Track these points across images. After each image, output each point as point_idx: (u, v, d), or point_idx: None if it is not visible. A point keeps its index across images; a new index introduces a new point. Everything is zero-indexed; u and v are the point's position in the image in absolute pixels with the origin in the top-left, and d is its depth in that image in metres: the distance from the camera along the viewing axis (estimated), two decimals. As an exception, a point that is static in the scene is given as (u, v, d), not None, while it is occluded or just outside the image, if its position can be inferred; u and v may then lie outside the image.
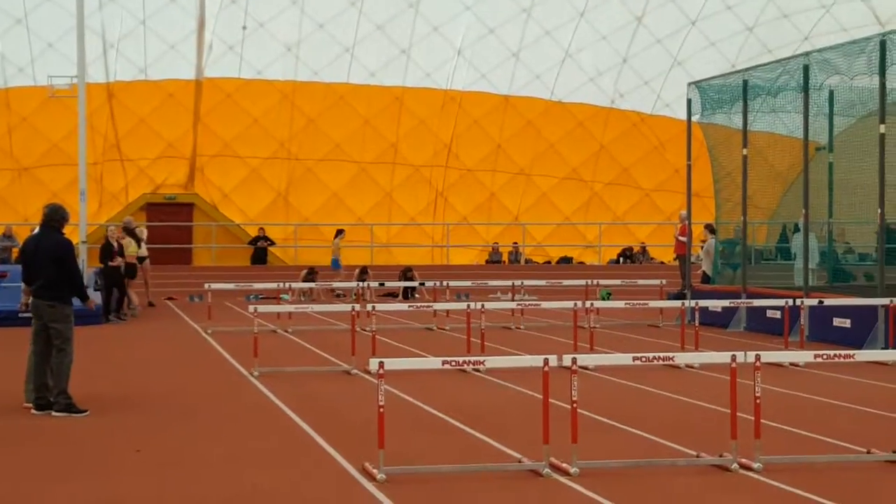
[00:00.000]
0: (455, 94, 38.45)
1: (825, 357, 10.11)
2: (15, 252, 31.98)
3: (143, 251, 27.65)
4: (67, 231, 12.99)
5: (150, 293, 28.70)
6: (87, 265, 25.54)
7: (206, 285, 23.66)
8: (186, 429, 11.50)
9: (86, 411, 12.16)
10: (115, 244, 24.60)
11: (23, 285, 12.83)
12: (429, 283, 28.21)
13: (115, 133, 36.97)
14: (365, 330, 18.66)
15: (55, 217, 12.64)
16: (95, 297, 23.79)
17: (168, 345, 20.25)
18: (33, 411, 12.30)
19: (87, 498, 8.53)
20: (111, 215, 35.90)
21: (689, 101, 24.93)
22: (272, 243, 37.15)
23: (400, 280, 31.38)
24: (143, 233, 28.17)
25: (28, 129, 36.31)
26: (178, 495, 8.57)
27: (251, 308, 16.58)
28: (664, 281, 26.35)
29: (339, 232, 33.84)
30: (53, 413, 12.15)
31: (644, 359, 9.88)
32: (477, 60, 38.28)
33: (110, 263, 24.29)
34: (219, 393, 14.10)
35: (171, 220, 36.45)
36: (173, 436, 11.12)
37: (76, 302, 12.63)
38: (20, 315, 13.49)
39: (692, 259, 26.50)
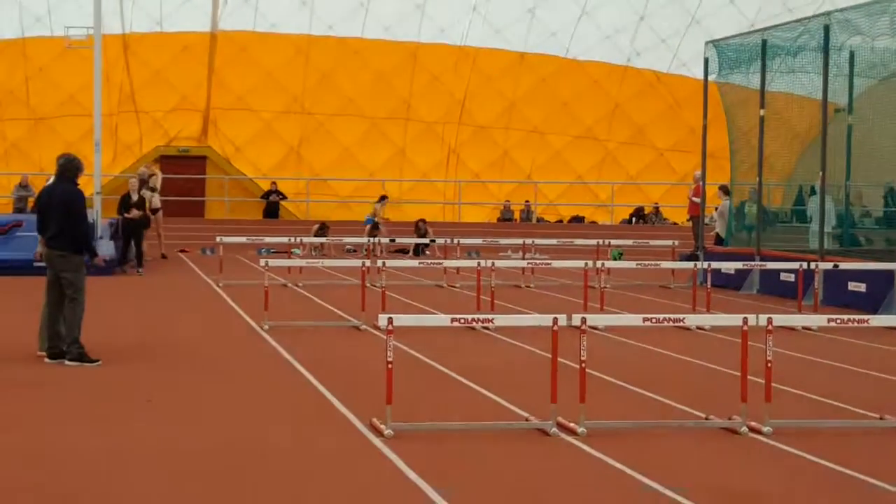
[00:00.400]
0: (469, 51, 38.23)
1: (839, 321, 10.02)
2: (31, 202, 32.05)
3: (157, 202, 27.62)
4: (82, 182, 13.00)
5: (163, 245, 28.72)
6: (102, 216, 25.53)
7: (218, 238, 23.63)
8: (196, 381, 11.51)
9: (98, 361, 12.20)
10: (135, 196, 24.55)
11: (38, 235, 12.87)
12: (440, 240, 28.16)
13: (131, 84, 36.93)
14: (375, 286, 18.61)
15: (69, 168, 12.67)
16: (109, 248, 23.84)
17: (179, 297, 20.27)
18: (46, 359, 12.35)
19: (96, 445, 8.54)
20: (125, 166, 35.92)
21: (706, 61, 24.70)
22: (284, 197, 37.12)
23: (415, 232, 31.40)
24: (158, 181, 28.03)
25: (44, 80, 36.30)
26: (186, 446, 8.57)
27: (262, 262, 16.54)
28: (677, 242, 26.21)
29: (383, 198, 33.78)
30: (66, 362, 12.21)
31: (654, 320, 9.81)
32: (492, 17, 38.02)
33: (125, 215, 24.26)
34: (228, 346, 14.11)
35: (185, 173, 36.43)
36: (183, 387, 11.13)
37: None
38: (35, 265, 13.52)
39: (706, 220, 26.36)
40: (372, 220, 32.55)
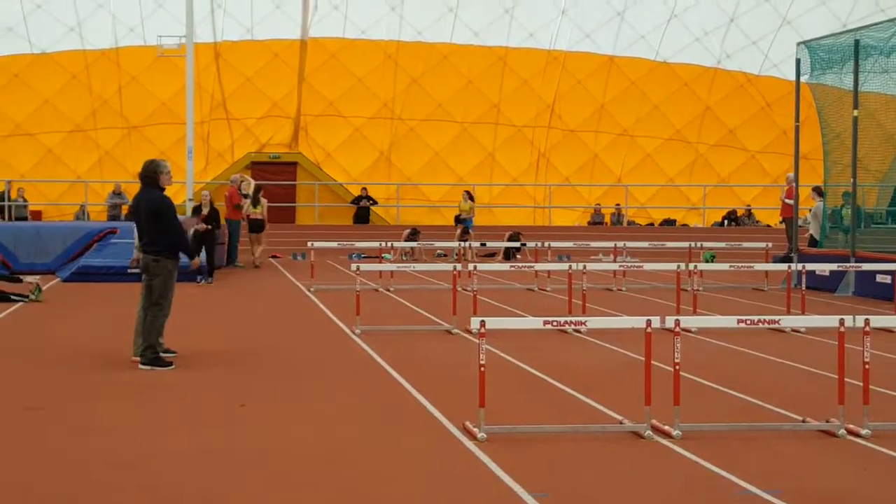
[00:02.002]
0: (558, 55, 38.14)
1: (938, 323, 9.84)
2: (125, 209, 32.73)
3: (250, 210, 27.93)
4: (174, 189, 13.16)
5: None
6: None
7: (310, 244, 23.87)
8: (289, 385, 11.63)
9: (171, 364, 12.31)
10: (206, 209, 24.52)
11: (136, 241, 13.09)
12: (530, 244, 28.14)
13: (222, 92, 37.42)
14: (466, 290, 18.67)
15: (147, 171, 12.72)
16: (201, 255, 24.13)
17: (272, 302, 20.49)
18: (140, 365, 12.51)
19: (191, 449, 8.66)
20: (217, 174, 36.42)
21: (797, 61, 24.37)
22: (374, 202, 37.36)
23: (507, 238, 31.45)
24: (250, 187, 28.26)
25: (137, 88, 36.94)
26: (280, 449, 8.66)
27: (353, 266, 16.66)
28: (770, 244, 25.91)
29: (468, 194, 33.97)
30: (139, 367, 12.28)
31: (749, 322, 9.71)
32: (581, 20, 37.91)
33: (196, 228, 24.26)
34: (321, 350, 14.24)
35: (276, 179, 36.83)
36: (277, 391, 11.25)
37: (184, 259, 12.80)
38: (129, 271, 13.78)
39: (799, 222, 26.01)
40: (469, 222, 32.60)
